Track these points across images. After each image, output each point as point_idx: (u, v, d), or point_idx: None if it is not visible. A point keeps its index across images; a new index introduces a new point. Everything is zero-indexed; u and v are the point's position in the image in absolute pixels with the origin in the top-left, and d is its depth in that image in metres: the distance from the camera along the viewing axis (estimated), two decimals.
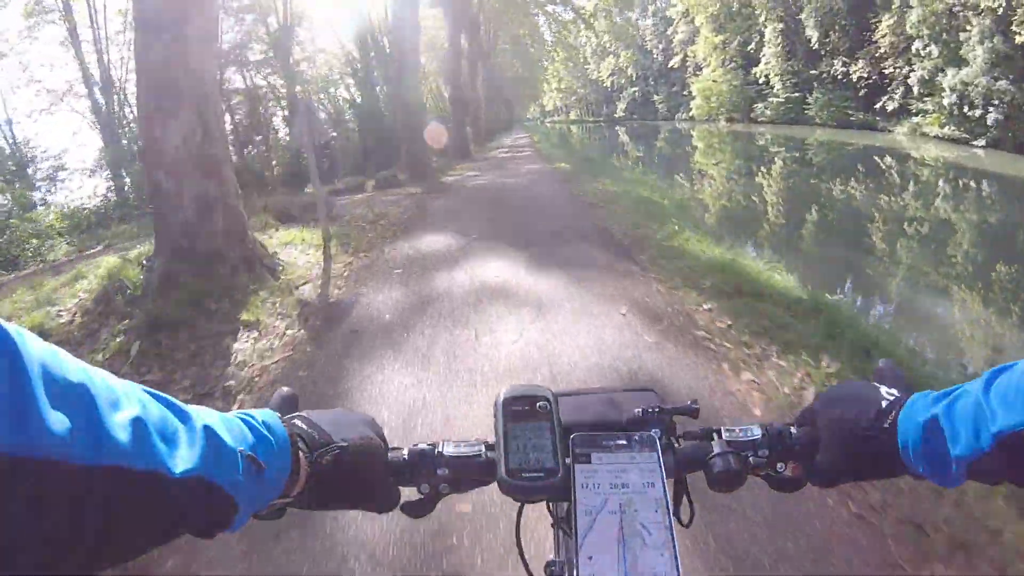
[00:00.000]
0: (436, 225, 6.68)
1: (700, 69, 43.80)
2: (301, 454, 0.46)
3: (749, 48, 37.81)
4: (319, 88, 20.35)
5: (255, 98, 18.79)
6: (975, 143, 20.46)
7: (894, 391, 0.50)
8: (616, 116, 66.34)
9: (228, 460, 0.38)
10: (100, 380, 0.32)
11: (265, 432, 0.43)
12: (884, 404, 0.48)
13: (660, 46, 53.55)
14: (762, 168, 19.51)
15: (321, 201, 6.19)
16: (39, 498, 0.27)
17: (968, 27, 19.99)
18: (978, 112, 19.95)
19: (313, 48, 21.19)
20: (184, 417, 0.37)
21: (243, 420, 0.43)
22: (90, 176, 15.68)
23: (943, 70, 21.45)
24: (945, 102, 21.37)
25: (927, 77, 22.63)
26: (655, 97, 57.08)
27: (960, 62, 20.70)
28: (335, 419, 0.52)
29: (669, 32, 51.08)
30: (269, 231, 6.26)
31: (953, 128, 21.70)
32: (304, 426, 0.49)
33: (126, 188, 15.22)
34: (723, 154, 24.44)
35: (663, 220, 6.29)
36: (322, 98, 20.61)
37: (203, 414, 0.39)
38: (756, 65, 36.71)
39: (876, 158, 20.66)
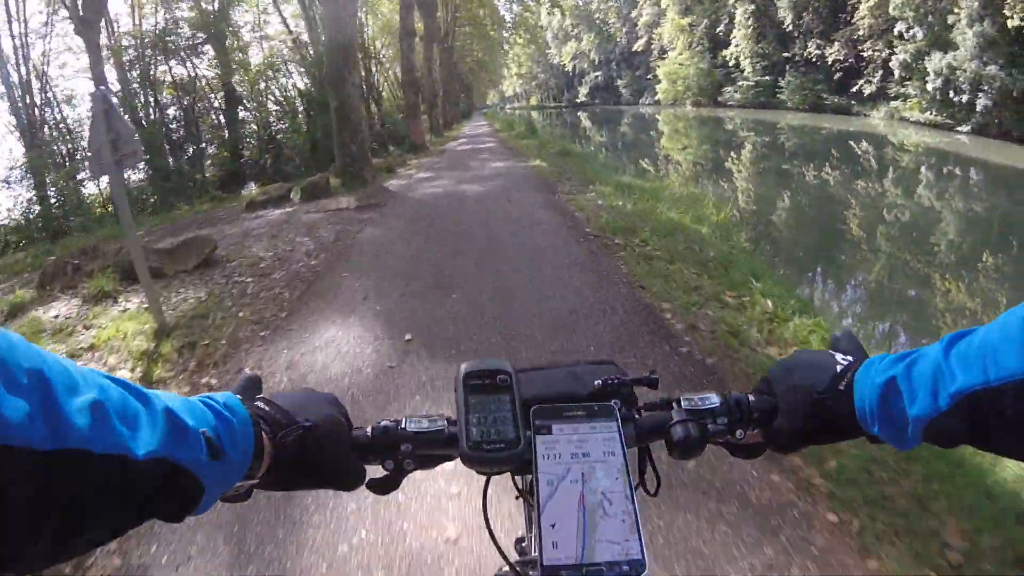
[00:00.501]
0: (350, 292, 4.02)
1: (666, 52, 42.39)
2: (265, 435, 0.46)
3: (718, 30, 36.49)
4: (260, 77, 17.60)
5: (186, 91, 16.10)
6: (959, 129, 19.55)
7: (848, 357, 0.50)
8: (578, 101, 64.61)
9: (191, 441, 0.37)
10: (56, 365, 0.31)
11: (227, 414, 0.42)
12: (839, 369, 0.49)
13: (624, 29, 51.83)
14: (793, 161, 17.83)
15: (142, 271, 3.34)
16: (2, 484, 0.26)
17: (956, 9, 18.90)
18: (964, 98, 18.97)
19: (257, 33, 18.51)
20: (144, 400, 0.36)
21: (204, 403, 0.42)
22: (7, 187, 12.77)
23: (928, 53, 20.39)
24: (929, 87, 20.33)
25: (909, 61, 21.58)
26: (618, 82, 55.57)
27: (946, 46, 19.67)
28: (298, 400, 0.51)
29: (633, 15, 49.41)
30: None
31: (935, 114, 20.76)
32: (266, 408, 0.48)
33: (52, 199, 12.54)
34: (713, 143, 22.70)
35: (727, 268, 4.07)
36: (267, 87, 17.82)
37: (163, 397, 0.38)
38: (724, 48, 35.42)
39: (853, 143, 19.61)
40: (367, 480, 0.53)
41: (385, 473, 0.53)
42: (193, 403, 0.41)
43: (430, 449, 0.53)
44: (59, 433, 0.29)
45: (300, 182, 9.37)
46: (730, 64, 35.14)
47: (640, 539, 0.44)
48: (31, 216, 11.99)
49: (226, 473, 0.41)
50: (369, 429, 0.53)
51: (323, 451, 0.49)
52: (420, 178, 10.30)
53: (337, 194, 8.54)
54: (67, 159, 13.77)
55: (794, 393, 0.51)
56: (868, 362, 0.47)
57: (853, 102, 26.66)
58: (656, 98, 44.56)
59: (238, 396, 0.47)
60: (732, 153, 19.34)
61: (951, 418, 0.39)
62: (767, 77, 32.19)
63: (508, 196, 7.35)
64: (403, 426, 0.53)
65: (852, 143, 19.57)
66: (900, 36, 21.98)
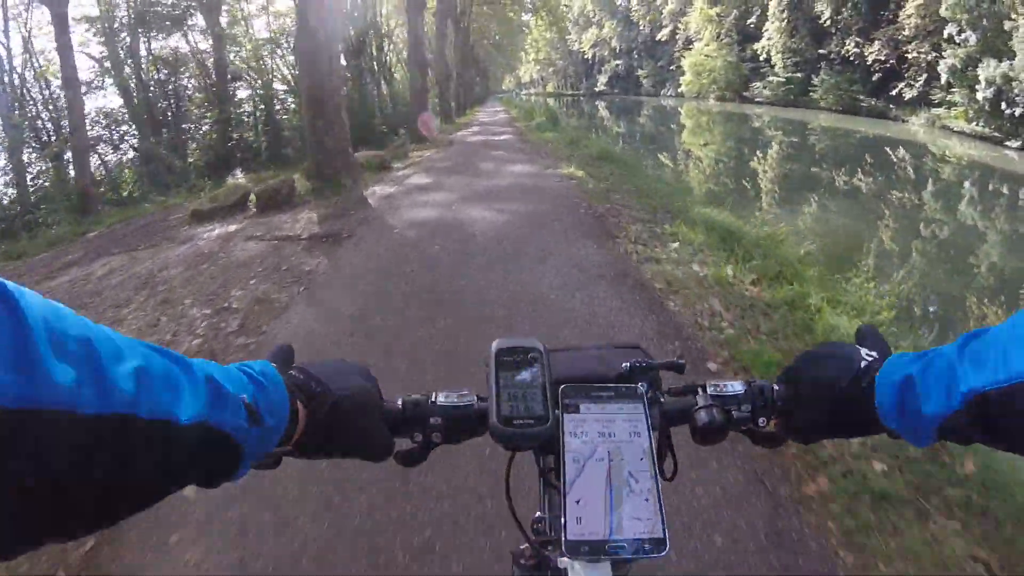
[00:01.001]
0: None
1: (691, 43, 40.71)
2: (300, 403, 0.47)
3: (748, 22, 34.82)
4: (261, 51, 16.40)
5: (169, 65, 14.91)
6: (1008, 143, 18.18)
7: (874, 353, 0.50)
8: (597, 90, 62.80)
9: (232, 408, 0.38)
10: (102, 334, 0.32)
11: (264, 381, 0.43)
12: (863, 365, 0.49)
13: (648, 17, 49.94)
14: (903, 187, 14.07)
15: None
16: (49, 448, 0.27)
17: (1014, 15, 17.41)
18: (1018, 111, 17.58)
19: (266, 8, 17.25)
20: (186, 367, 0.37)
21: (242, 370, 0.43)
22: None
23: (980, 60, 18.94)
24: (979, 96, 18.91)
25: (959, 66, 20.11)
26: (639, 71, 53.83)
27: (999, 53, 18.21)
28: (331, 369, 0.52)
29: (658, 2, 47.56)
30: None
31: (983, 125, 19.38)
32: (301, 376, 0.49)
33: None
34: (760, 144, 20.91)
35: None
36: (274, 64, 16.59)
37: (204, 364, 0.39)
38: (754, 41, 33.80)
39: (891, 150, 18.22)
40: (395, 452, 0.53)
41: (413, 446, 0.54)
42: (231, 370, 0.42)
43: (459, 424, 0.53)
44: (106, 398, 0.29)
45: (290, 172, 7.88)
46: (760, 58, 33.52)
47: (663, 519, 0.45)
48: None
49: (263, 440, 0.42)
50: (400, 402, 0.54)
51: (354, 421, 0.50)
52: (415, 185, 7.63)
53: (301, 205, 6.63)
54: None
55: (817, 386, 0.51)
56: (889, 360, 0.47)
57: (891, 106, 25.19)
58: (680, 90, 42.93)
59: (273, 364, 0.47)
60: (797, 163, 17.24)
61: (963, 417, 0.39)
62: (799, 74, 30.62)
63: (543, 246, 4.45)
64: (433, 399, 0.54)
65: (891, 149, 18.19)
66: (950, 39, 20.46)
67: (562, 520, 0.44)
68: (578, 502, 0.45)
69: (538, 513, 0.60)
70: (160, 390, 0.33)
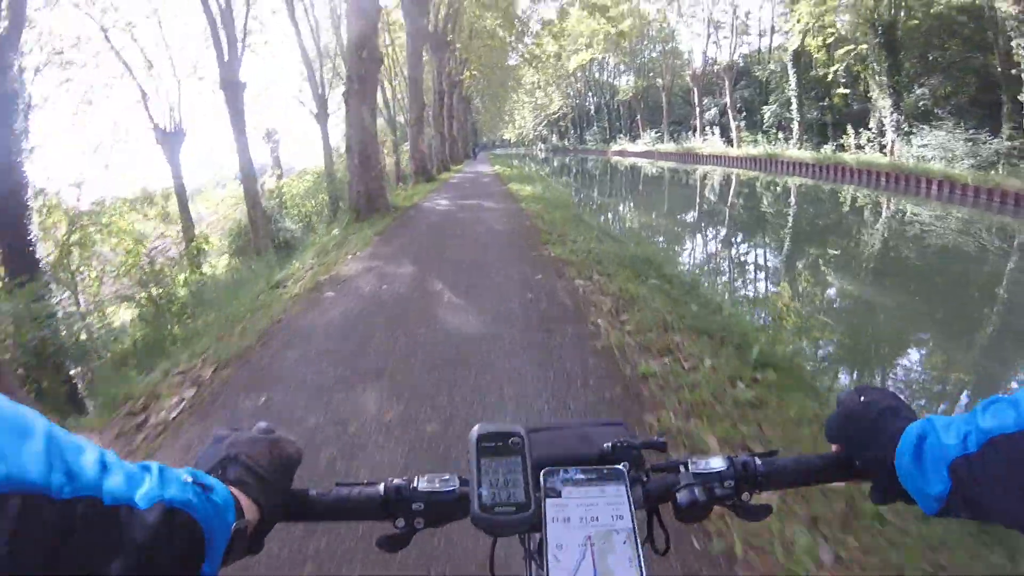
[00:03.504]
0: None
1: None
2: (240, 494, 0.47)
3: None
4: None
5: None
6: None
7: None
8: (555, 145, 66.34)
9: (178, 484, 0.39)
10: (61, 430, 0.34)
11: (190, 473, 0.43)
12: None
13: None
14: None
15: None
16: (31, 530, 0.29)
17: None
18: None
19: None
20: (130, 464, 0.38)
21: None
22: None
23: None
24: None
25: None
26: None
27: None
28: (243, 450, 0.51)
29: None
30: None
31: None
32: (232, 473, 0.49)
33: None
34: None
35: None
36: None
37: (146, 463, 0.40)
38: None
39: None
40: (377, 538, 0.53)
41: (396, 531, 0.53)
42: (164, 467, 0.41)
43: (441, 509, 0.53)
44: (73, 483, 0.31)
45: None
46: None
47: None
48: None
49: (218, 516, 0.42)
50: (382, 487, 0.54)
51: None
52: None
53: None
54: None
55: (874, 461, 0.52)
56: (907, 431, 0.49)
57: None
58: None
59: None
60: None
61: (954, 492, 0.42)
62: None
63: None
64: (414, 484, 0.54)
65: None
66: None
67: None
68: None
69: None
70: (118, 477, 0.35)
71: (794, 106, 25.23)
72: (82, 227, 12.03)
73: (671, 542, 0.57)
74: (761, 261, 11.97)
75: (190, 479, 0.41)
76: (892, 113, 19.68)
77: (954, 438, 0.43)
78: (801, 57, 24.59)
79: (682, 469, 0.56)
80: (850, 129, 22.21)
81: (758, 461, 0.57)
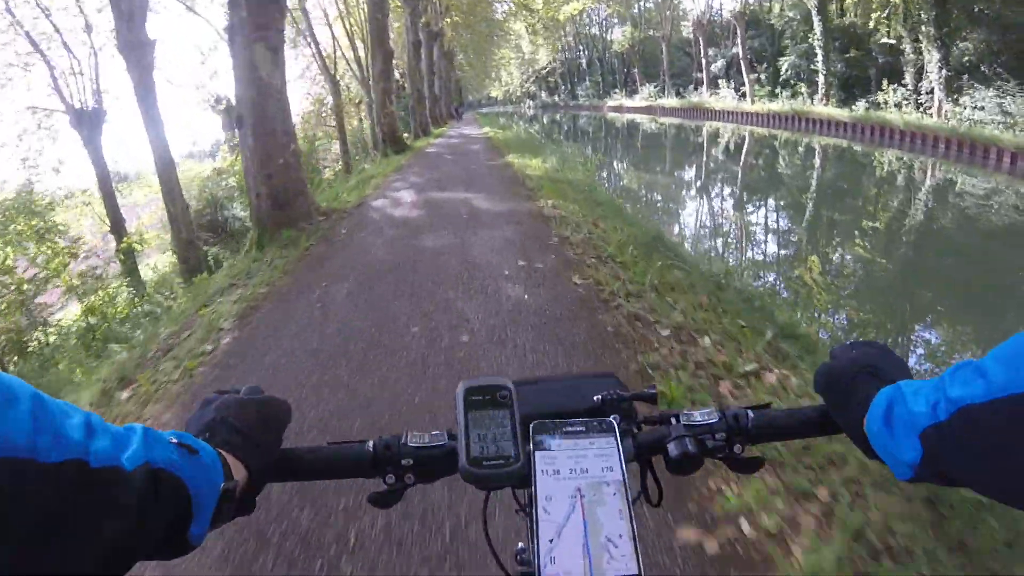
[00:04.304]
0: None
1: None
2: (228, 455, 0.47)
3: None
4: None
5: None
6: None
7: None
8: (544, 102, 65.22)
9: (162, 446, 0.40)
10: (47, 395, 0.34)
11: (176, 434, 0.44)
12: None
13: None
14: None
15: None
16: (18, 497, 0.29)
17: None
18: None
19: None
20: (115, 427, 0.38)
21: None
22: None
23: None
24: None
25: None
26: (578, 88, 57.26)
27: None
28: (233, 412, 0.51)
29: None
30: None
31: None
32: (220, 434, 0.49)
33: None
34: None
35: None
36: None
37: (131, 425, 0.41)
38: None
39: None
40: (369, 494, 0.53)
41: (386, 487, 0.53)
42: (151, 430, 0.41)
43: (431, 464, 0.53)
44: (60, 447, 0.31)
45: None
46: None
47: (637, 554, 0.44)
48: None
49: (207, 478, 0.42)
50: (371, 444, 0.54)
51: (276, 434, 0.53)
52: None
53: None
54: None
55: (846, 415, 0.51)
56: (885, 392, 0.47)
57: None
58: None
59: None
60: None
61: (926, 459, 0.41)
62: None
63: None
64: (404, 441, 0.54)
65: None
66: None
67: (536, 561, 0.45)
68: (551, 541, 0.45)
69: (521, 544, 0.62)
70: (104, 440, 0.35)
71: (819, 57, 22.25)
72: None
73: (664, 495, 0.58)
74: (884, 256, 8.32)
75: (175, 440, 0.41)
76: (941, 69, 17.15)
77: (923, 405, 0.41)
78: (827, 3, 21.70)
79: (673, 421, 0.56)
80: (885, 84, 19.76)
81: (750, 413, 0.56)
